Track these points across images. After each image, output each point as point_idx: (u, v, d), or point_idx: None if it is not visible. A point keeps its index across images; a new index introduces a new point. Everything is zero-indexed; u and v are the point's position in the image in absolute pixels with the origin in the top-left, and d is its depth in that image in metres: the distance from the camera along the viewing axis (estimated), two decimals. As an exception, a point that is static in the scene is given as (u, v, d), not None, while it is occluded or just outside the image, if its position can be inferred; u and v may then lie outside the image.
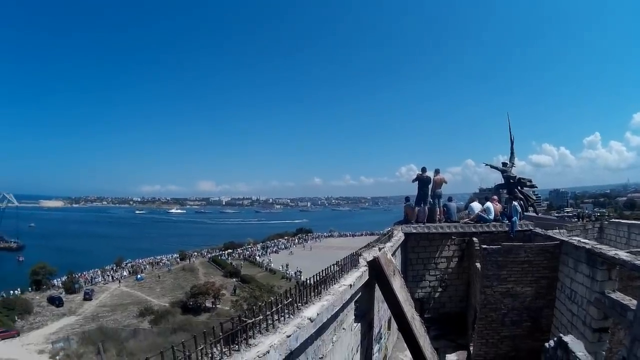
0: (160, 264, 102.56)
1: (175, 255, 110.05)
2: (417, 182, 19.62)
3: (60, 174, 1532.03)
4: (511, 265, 14.42)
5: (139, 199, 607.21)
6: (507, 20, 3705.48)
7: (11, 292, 74.55)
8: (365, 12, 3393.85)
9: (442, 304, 19.49)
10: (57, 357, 50.39)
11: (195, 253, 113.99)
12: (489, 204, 19.97)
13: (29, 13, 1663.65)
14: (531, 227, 18.49)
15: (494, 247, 14.63)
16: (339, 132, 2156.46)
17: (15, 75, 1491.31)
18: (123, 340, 54.60)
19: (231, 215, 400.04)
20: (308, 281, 7.26)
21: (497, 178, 26.10)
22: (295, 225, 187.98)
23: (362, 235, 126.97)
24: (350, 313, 9.13)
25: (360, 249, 12.05)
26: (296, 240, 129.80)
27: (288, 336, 5.20)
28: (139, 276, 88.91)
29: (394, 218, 23.81)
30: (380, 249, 11.54)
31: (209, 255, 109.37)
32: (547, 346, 8.15)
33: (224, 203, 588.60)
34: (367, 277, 10.12)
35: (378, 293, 11.32)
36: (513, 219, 18.39)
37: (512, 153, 25.68)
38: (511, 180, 23.97)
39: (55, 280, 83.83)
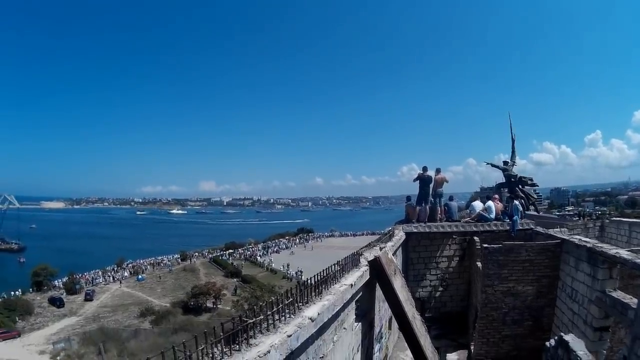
0: (161, 264, 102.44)
1: (176, 256, 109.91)
2: (418, 181, 19.64)
3: (61, 175, 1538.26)
4: (512, 264, 14.42)
5: (140, 200, 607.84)
6: (508, 20, 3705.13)
7: (12, 293, 74.50)
8: (366, 12, 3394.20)
9: (443, 303, 19.48)
10: (58, 358, 50.34)
11: (196, 253, 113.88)
12: (490, 202, 19.97)
13: (29, 15, 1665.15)
14: (532, 226, 18.48)
15: (495, 246, 14.64)
16: (340, 132, 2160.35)
17: (16, 78, 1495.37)
18: (124, 340, 54.58)
19: (232, 216, 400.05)
20: (309, 281, 7.27)
21: (499, 177, 26.18)
22: (296, 225, 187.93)
23: (363, 234, 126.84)
24: (351, 312, 9.13)
25: (361, 248, 12.06)
26: (297, 240, 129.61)
27: (289, 336, 5.20)
28: (140, 277, 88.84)
29: (395, 217, 23.80)
30: (381, 249, 11.54)
31: (210, 256, 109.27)
32: (548, 345, 8.15)
33: (225, 203, 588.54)
34: (368, 277, 10.12)
35: (379, 292, 11.32)
36: (514, 218, 18.39)
37: (513, 152, 25.72)
38: (512, 179, 23.99)
39: (56, 281, 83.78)
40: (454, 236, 19.22)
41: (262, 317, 5.28)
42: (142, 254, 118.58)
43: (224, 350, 4.50)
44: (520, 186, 24.09)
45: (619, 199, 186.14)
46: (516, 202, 19.48)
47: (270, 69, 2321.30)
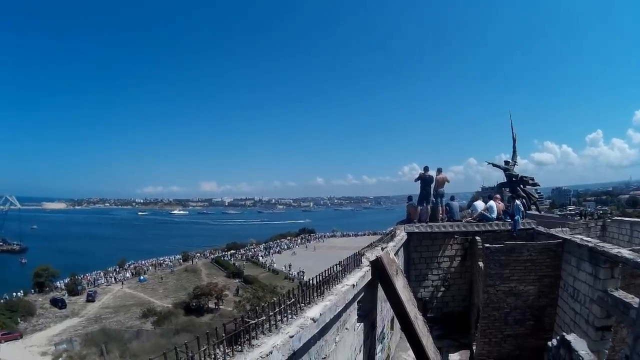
0: (163, 265, 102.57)
1: (177, 257, 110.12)
2: (419, 181, 19.64)
3: (62, 176, 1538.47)
4: (514, 264, 14.42)
5: (142, 201, 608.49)
6: (508, 20, 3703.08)
7: (14, 294, 74.67)
8: (366, 12, 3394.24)
9: (445, 303, 19.47)
10: (60, 359, 50.46)
11: (198, 254, 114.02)
12: (491, 202, 19.97)
13: (29, 15, 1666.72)
14: (534, 226, 18.48)
15: (496, 246, 14.64)
16: (340, 132, 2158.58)
17: (16, 78, 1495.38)
18: (126, 341, 54.71)
19: (234, 216, 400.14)
20: (311, 281, 7.27)
21: (500, 177, 26.19)
22: (297, 225, 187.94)
23: (364, 235, 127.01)
24: (353, 313, 9.13)
25: (363, 248, 12.06)
26: (299, 241, 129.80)
27: (291, 336, 5.21)
28: (141, 277, 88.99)
29: (396, 217, 23.80)
30: (382, 249, 11.54)
31: (212, 256, 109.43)
32: (550, 345, 8.15)
33: (226, 204, 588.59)
34: (370, 277, 10.12)
35: (381, 293, 11.32)
36: (516, 218, 18.38)
37: (514, 151, 25.73)
38: (513, 179, 24.02)
39: (58, 282, 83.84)
40: (456, 236, 19.21)
41: (264, 317, 5.29)
42: (144, 254, 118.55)
43: (226, 351, 4.50)
44: (521, 186, 24.11)
45: (620, 198, 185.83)
46: (518, 201, 19.45)
47: (270, 69, 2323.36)
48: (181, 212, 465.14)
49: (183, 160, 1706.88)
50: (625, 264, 10.26)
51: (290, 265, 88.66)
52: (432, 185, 19.68)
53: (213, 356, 4.33)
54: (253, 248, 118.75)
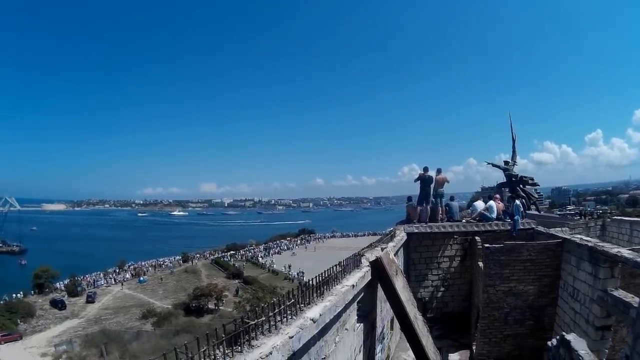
0: (163, 266, 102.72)
1: (177, 257, 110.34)
2: (419, 181, 19.64)
3: (62, 177, 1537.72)
4: (514, 264, 14.42)
5: (141, 202, 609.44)
6: (508, 20, 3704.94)
7: (14, 295, 74.75)
8: (366, 12, 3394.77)
9: (445, 303, 19.47)
10: (60, 360, 50.54)
11: (198, 255, 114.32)
12: (491, 202, 19.97)
13: (29, 16, 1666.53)
14: (533, 226, 18.48)
15: (496, 245, 14.64)
16: (340, 132, 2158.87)
17: (16, 78, 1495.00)
18: (126, 342, 54.81)
19: (233, 217, 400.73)
20: (310, 282, 7.27)
21: (499, 177, 26.20)
22: (297, 226, 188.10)
23: (364, 235, 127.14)
24: (352, 313, 9.13)
25: (363, 249, 12.06)
26: (299, 241, 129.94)
27: (291, 337, 5.21)
28: (141, 278, 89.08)
29: (396, 218, 23.80)
30: (382, 249, 11.53)
31: (212, 257, 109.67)
32: (550, 345, 8.16)
33: (226, 205, 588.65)
34: (370, 278, 10.12)
35: (381, 293, 11.33)
36: (515, 218, 18.37)
37: (514, 151, 25.75)
38: (513, 179, 24.03)
39: (58, 284, 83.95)
40: (456, 236, 19.21)
41: (263, 318, 5.28)
42: (144, 255, 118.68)
43: (226, 351, 4.50)
44: (521, 186, 24.12)
45: (620, 197, 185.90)
46: (517, 201, 19.45)
47: (270, 68, 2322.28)
48: (181, 213, 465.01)
49: (183, 161, 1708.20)
50: (625, 264, 10.26)
51: (290, 266, 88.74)
52: (432, 186, 19.67)
53: (213, 357, 4.33)
54: (253, 249, 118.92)
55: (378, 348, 12.02)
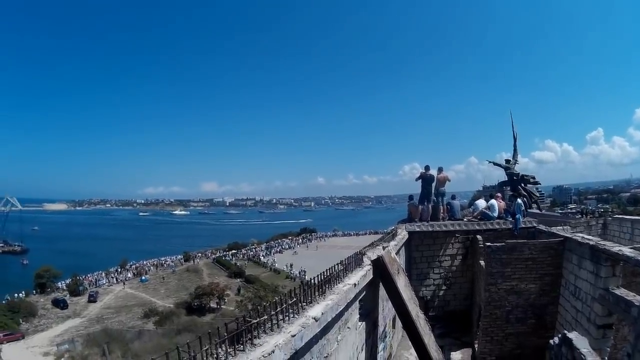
0: (165, 265, 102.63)
1: (179, 257, 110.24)
2: (420, 180, 19.64)
3: (63, 177, 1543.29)
4: (515, 263, 14.42)
5: (143, 201, 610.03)
6: (509, 20, 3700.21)
7: (16, 295, 74.73)
8: (366, 13, 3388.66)
9: (447, 302, 19.48)
10: (62, 359, 50.49)
11: (200, 254, 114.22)
12: (493, 201, 19.98)
13: (29, 16, 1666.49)
14: (535, 224, 18.48)
15: (498, 244, 14.64)
16: (341, 131, 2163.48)
17: (16, 79, 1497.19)
18: (128, 341, 54.80)
19: (235, 216, 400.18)
20: (312, 281, 7.28)
21: (501, 175, 26.09)
22: (299, 225, 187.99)
23: (366, 234, 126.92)
24: (354, 312, 9.14)
25: (364, 248, 12.06)
26: (300, 240, 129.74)
27: (293, 336, 5.22)
28: (143, 278, 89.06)
29: (397, 217, 23.80)
30: (384, 248, 11.55)
31: (213, 256, 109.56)
32: (552, 343, 8.16)
33: (227, 204, 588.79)
34: (372, 276, 10.14)
35: (382, 292, 11.34)
36: (517, 216, 18.36)
37: (515, 150, 25.64)
38: (514, 177, 23.93)
39: (60, 283, 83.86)
40: (457, 235, 19.22)
41: (265, 317, 5.30)
42: (145, 255, 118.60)
43: (228, 350, 4.51)
44: (522, 184, 24.04)
45: (621, 196, 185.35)
46: (519, 200, 19.43)
47: (270, 68, 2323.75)
48: (182, 212, 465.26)
49: (184, 161, 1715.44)
50: (626, 262, 10.26)
51: (291, 265, 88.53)
52: (433, 185, 19.67)
53: (215, 356, 4.34)
54: (254, 248, 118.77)
55: (380, 346, 12.04)
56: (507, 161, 24.82)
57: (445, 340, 17.22)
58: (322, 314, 6.33)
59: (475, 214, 20.23)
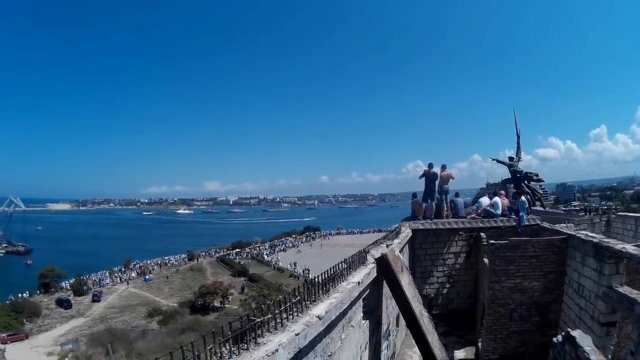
0: (168, 264, 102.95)
1: (183, 256, 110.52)
2: (424, 178, 19.65)
3: (66, 177, 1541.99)
4: (519, 260, 14.40)
5: (146, 200, 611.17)
6: (513, 18, 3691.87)
7: (19, 295, 75.01)
8: (367, 13, 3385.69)
9: (450, 300, 19.49)
10: (66, 359, 50.60)
11: (203, 253, 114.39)
12: (496, 198, 19.94)
13: (29, 16, 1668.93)
14: (538, 222, 18.46)
15: (501, 242, 14.61)
16: (344, 130, 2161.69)
17: (18, 79, 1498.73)
18: (132, 341, 54.87)
19: (238, 215, 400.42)
20: (316, 279, 7.29)
21: (504, 173, 26.14)
22: (302, 223, 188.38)
23: (369, 232, 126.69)
24: (358, 310, 9.15)
25: (368, 246, 12.06)
26: (304, 239, 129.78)
27: (297, 334, 5.23)
28: (147, 277, 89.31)
29: (401, 215, 23.78)
30: (387, 246, 11.55)
31: (217, 255, 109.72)
32: (555, 341, 8.15)
33: (231, 203, 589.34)
34: (375, 274, 10.14)
35: (386, 290, 11.35)
36: (520, 214, 18.34)
37: (518, 147, 25.62)
38: (518, 175, 23.91)
39: (64, 283, 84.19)
40: (461, 233, 19.23)
41: (269, 315, 5.31)
42: (149, 254, 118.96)
43: (232, 349, 4.52)
44: (526, 182, 24.02)
45: (624, 193, 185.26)
46: (522, 197, 19.41)
47: (272, 68, 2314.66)
48: (186, 211, 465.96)
49: (187, 160, 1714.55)
50: (630, 260, 10.24)
51: (295, 263, 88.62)
52: (437, 182, 19.69)
53: (219, 355, 4.35)
54: (258, 246, 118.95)
55: (384, 345, 12.04)
56: (511, 158, 24.82)
57: (449, 338, 17.24)
58: (326, 312, 6.34)
59: (479, 211, 20.22)
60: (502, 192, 21.27)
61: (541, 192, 28.27)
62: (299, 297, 6.23)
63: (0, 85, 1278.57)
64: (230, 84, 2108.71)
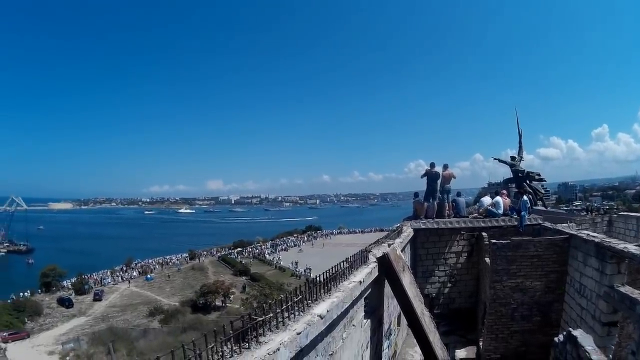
0: (170, 263, 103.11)
1: (184, 255, 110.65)
2: (425, 177, 19.63)
3: (68, 176, 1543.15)
4: (520, 260, 14.39)
5: (148, 200, 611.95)
6: (513, 18, 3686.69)
7: (21, 294, 75.03)
8: (367, 13, 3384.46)
9: (452, 299, 19.47)
10: (67, 358, 50.62)
11: (205, 252, 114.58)
12: (498, 198, 19.92)
13: (29, 16, 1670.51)
14: (540, 221, 18.44)
15: (503, 241, 14.60)
16: (346, 129, 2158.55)
17: (19, 79, 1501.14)
18: (133, 340, 54.85)
19: (240, 214, 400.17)
20: (318, 278, 7.30)
21: (506, 172, 26.17)
22: (304, 222, 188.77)
23: (371, 231, 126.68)
24: (359, 309, 9.16)
25: (370, 245, 12.07)
26: (305, 238, 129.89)
27: (298, 333, 5.24)
28: (148, 276, 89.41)
29: (403, 214, 23.81)
30: (389, 245, 11.56)
31: (219, 254, 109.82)
32: (557, 340, 8.14)
33: (232, 202, 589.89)
34: (377, 274, 10.14)
35: (387, 289, 11.35)
36: (522, 214, 18.33)
37: (520, 147, 25.63)
38: (520, 174, 23.93)
39: (65, 282, 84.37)
40: (462, 232, 19.20)
41: (271, 315, 5.32)
42: (151, 253, 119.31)
43: (234, 348, 4.53)
44: (527, 181, 24.02)
45: (626, 193, 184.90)
46: (524, 197, 19.39)
47: (272, 68, 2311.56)
48: (188, 210, 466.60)
49: (189, 159, 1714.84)
50: (631, 260, 10.23)
51: (297, 263, 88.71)
52: (439, 182, 19.67)
53: (221, 353, 4.35)
54: (260, 246, 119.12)
55: (385, 344, 12.05)
56: (513, 158, 24.84)
57: (450, 337, 17.23)
58: (328, 311, 6.36)
59: (481, 211, 20.19)
60: (504, 191, 21.25)
61: (543, 191, 28.27)
62: (300, 296, 6.25)
63: (0, 85, 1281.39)
64: (230, 84, 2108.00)
